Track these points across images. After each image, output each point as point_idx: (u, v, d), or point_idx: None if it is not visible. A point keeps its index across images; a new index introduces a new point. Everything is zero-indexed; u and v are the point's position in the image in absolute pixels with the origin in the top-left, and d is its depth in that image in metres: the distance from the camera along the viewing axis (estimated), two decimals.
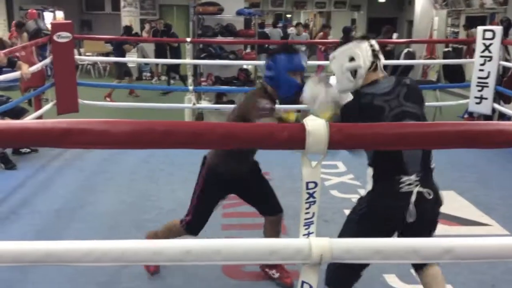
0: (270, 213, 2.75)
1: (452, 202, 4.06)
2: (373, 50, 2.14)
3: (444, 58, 10.12)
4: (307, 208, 1.23)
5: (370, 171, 2.12)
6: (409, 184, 2.00)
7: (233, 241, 1.10)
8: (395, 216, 2.02)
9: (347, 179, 4.59)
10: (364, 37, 2.21)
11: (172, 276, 2.85)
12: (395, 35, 7.97)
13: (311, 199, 1.24)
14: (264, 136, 1.13)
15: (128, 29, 10.44)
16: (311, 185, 1.23)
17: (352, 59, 2.13)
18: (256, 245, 1.12)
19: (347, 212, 4.12)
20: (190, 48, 5.63)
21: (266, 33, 12.76)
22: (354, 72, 2.12)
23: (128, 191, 4.26)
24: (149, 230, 2.95)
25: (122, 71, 9.28)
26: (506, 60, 6.06)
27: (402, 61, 9.25)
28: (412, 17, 13.80)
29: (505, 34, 6.08)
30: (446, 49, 11.01)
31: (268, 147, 1.19)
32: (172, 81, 10.70)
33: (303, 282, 1.22)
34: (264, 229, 2.79)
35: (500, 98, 6.13)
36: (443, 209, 2.11)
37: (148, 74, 12.17)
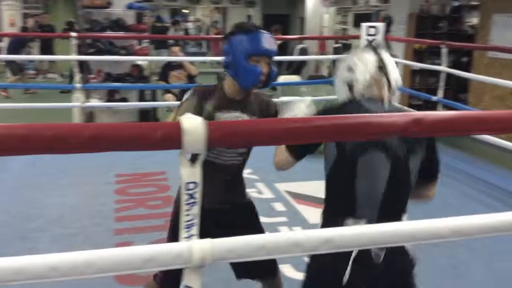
0: (264, 274, 2.14)
1: None
2: (380, 65, 1.71)
3: (335, 53, 10.63)
4: (187, 210, 1.19)
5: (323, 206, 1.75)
6: None
7: (105, 251, 1.03)
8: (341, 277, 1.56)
9: (245, 173, 4.61)
10: (373, 47, 1.79)
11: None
12: None
13: (191, 200, 1.20)
14: (136, 136, 1.07)
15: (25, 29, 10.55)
16: (191, 186, 1.18)
17: (350, 69, 1.74)
18: (132, 254, 1.05)
19: None
20: (76, 44, 5.29)
21: (166, 27, 12.56)
22: (351, 86, 1.73)
23: (11, 199, 3.93)
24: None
25: (16, 66, 9.18)
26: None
27: (296, 57, 9.62)
28: (304, 14, 14.32)
29: (387, 30, 6.47)
30: (336, 45, 11.59)
31: (142, 148, 1.12)
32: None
33: (186, 287, 1.18)
34: None
35: None
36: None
37: (33, 72, 11.35)
